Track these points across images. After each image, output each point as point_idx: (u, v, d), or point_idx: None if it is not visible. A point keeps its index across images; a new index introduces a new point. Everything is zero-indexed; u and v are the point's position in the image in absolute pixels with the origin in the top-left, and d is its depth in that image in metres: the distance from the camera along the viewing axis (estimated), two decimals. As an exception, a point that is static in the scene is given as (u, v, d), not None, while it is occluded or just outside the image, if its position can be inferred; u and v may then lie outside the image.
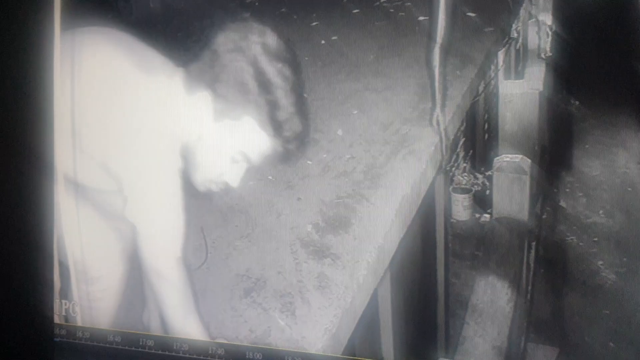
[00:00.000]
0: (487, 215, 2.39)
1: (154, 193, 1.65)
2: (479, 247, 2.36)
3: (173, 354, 1.77)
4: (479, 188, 2.42)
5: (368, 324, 1.97)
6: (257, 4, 2.11)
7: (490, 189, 2.35)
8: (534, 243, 2.34)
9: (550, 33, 2.24)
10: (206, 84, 1.68)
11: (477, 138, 2.49)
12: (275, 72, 1.68)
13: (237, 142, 1.72)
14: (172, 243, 1.66)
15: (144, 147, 1.63)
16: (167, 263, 1.66)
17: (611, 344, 2.12)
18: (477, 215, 2.41)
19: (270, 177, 2.12)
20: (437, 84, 2.10)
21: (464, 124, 2.42)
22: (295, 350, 1.73)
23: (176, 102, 1.70)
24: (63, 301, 1.78)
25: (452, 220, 2.40)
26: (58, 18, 1.78)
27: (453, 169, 2.41)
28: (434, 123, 2.15)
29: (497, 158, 2.28)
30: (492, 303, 2.21)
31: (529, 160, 2.25)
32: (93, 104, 1.67)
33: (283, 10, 1.99)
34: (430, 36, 2.06)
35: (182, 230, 1.66)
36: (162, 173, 1.65)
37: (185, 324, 1.71)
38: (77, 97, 1.68)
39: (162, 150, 1.65)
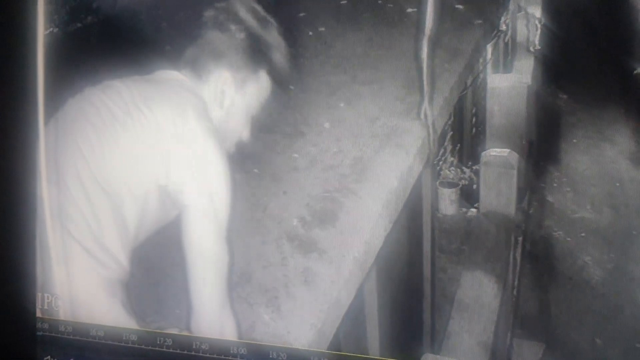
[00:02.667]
0: (474, 210, 2.38)
1: (205, 175, 1.78)
2: (466, 241, 2.35)
3: (157, 348, 1.76)
4: (466, 182, 2.41)
5: (354, 319, 1.96)
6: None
7: (478, 183, 2.34)
8: (520, 238, 2.33)
9: (539, 26, 2.23)
10: (215, 64, 1.90)
11: (464, 132, 2.48)
12: (268, 29, 1.97)
13: (257, 98, 1.97)
14: (221, 222, 1.77)
15: (189, 146, 1.79)
16: (215, 244, 1.74)
17: (597, 340, 2.12)
18: (464, 210, 2.40)
19: (256, 170, 2.11)
20: (425, 77, 2.09)
21: (452, 117, 2.41)
22: (280, 346, 1.72)
23: (195, 94, 1.89)
24: (45, 295, 1.77)
25: (438, 214, 2.39)
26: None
27: (440, 162, 2.40)
28: (422, 116, 2.14)
29: (485, 152, 2.27)
30: (478, 298, 2.20)
31: (517, 155, 2.24)
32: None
33: (269, 0, 1.98)
34: (419, 28, 2.04)
35: (228, 209, 1.77)
36: (211, 156, 1.79)
37: (222, 315, 1.74)
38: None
39: (206, 140, 1.80)
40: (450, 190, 2.40)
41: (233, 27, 1.93)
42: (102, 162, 1.71)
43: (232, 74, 1.94)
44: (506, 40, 2.40)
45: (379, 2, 2.46)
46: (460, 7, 2.36)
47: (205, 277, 1.72)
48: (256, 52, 1.95)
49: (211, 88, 1.91)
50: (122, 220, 1.72)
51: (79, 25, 2.11)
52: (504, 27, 2.37)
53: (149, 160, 1.74)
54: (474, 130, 2.49)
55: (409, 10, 2.38)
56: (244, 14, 1.94)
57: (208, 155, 1.77)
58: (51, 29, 1.98)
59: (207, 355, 1.72)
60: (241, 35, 1.93)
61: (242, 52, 1.94)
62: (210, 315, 1.72)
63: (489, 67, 2.37)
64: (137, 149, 1.74)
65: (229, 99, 1.93)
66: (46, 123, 1.84)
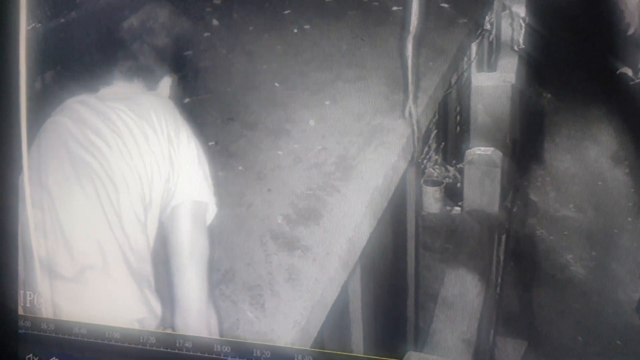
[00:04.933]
0: (458, 208, 2.39)
1: (197, 171, 1.79)
2: (450, 240, 2.36)
3: (139, 346, 1.75)
4: (450, 180, 2.42)
5: (338, 317, 1.96)
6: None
7: (462, 182, 2.35)
8: (504, 236, 2.35)
9: (523, 25, 2.24)
10: (162, 69, 1.95)
11: (449, 130, 2.49)
12: (180, 19, 2.03)
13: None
14: (208, 214, 1.78)
15: (186, 147, 1.80)
16: (204, 237, 1.74)
17: (580, 338, 2.14)
18: (448, 208, 2.41)
19: (240, 168, 2.11)
20: (409, 75, 2.09)
21: (436, 115, 2.42)
22: (264, 343, 1.72)
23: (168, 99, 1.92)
24: (27, 292, 1.75)
25: (423, 212, 2.40)
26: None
27: (425, 161, 2.40)
28: (407, 115, 2.14)
29: (469, 150, 2.28)
30: (461, 296, 2.21)
31: (501, 153, 2.25)
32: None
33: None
34: (404, 26, 2.04)
35: (211, 200, 1.78)
36: (200, 152, 1.81)
37: (208, 310, 1.74)
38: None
39: (192, 137, 1.82)
40: (435, 188, 2.41)
41: (163, 30, 1.96)
42: (137, 189, 1.71)
43: (175, 70, 1.99)
44: (491, 39, 2.41)
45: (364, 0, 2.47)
46: (446, 5, 2.37)
47: (193, 273, 1.71)
48: (182, 43, 2.01)
49: (165, 91, 1.94)
50: (149, 242, 1.73)
51: (62, 20, 2.10)
52: (488, 26, 2.38)
53: (162, 171, 1.74)
54: (458, 128, 2.50)
55: (394, 8, 2.39)
56: (164, 15, 1.98)
57: (199, 151, 1.79)
58: (34, 24, 1.97)
59: (191, 353, 1.72)
60: (168, 36, 1.97)
61: (175, 49, 1.99)
62: (197, 311, 1.71)
63: (473, 65, 2.38)
64: (156, 162, 1.74)
65: (173, 94, 1.98)
66: (30, 125, 1.82)
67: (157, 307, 1.68)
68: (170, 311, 1.73)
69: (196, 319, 1.71)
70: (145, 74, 1.92)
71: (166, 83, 1.94)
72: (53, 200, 1.66)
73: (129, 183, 1.70)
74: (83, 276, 1.62)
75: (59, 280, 1.63)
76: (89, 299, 1.64)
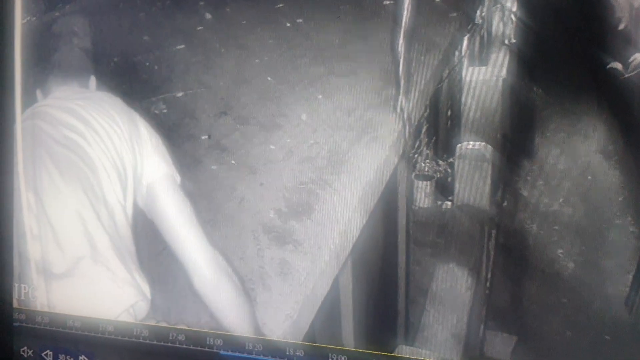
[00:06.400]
0: (449, 203, 2.40)
1: (157, 146, 1.83)
2: (440, 234, 2.36)
3: (133, 339, 1.75)
4: (441, 175, 2.43)
5: (329, 310, 1.96)
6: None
7: (452, 176, 2.35)
8: (494, 231, 2.35)
9: (514, 19, 2.24)
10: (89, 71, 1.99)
11: (440, 124, 2.49)
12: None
13: None
14: (175, 180, 1.81)
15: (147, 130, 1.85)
16: (183, 197, 1.77)
17: (568, 333, 2.15)
18: (439, 203, 2.42)
19: (233, 162, 2.11)
20: (401, 70, 2.09)
21: (427, 110, 2.42)
22: (256, 337, 1.72)
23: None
24: (22, 285, 1.75)
25: (413, 207, 2.40)
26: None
27: (416, 155, 2.41)
28: (398, 109, 2.14)
29: (460, 145, 2.28)
30: (452, 290, 2.22)
31: (491, 148, 2.26)
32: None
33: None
34: (395, 20, 2.04)
35: (173, 170, 1.82)
36: (147, 132, 1.84)
37: (216, 259, 1.75)
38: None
39: (136, 121, 1.85)
40: (425, 183, 2.41)
41: (88, 36, 2.00)
42: (115, 174, 1.72)
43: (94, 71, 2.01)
44: (482, 33, 2.41)
45: (356, -7, 2.47)
46: (437, -1, 2.37)
47: (190, 235, 1.73)
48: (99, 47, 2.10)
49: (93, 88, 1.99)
50: (130, 223, 1.74)
51: (56, 14, 2.11)
52: (479, 20, 2.38)
53: (130, 155, 1.76)
54: (449, 123, 2.50)
55: (386, 2, 2.39)
56: (83, 21, 2.03)
57: (151, 131, 1.82)
58: (29, 18, 1.96)
59: (184, 346, 1.72)
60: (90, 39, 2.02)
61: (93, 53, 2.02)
62: (208, 263, 1.72)
63: (464, 60, 2.38)
64: (124, 147, 1.76)
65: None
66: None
67: (147, 289, 1.68)
68: (158, 294, 1.74)
69: (211, 273, 1.72)
70: (73, 78, 1.95)
71: (93, 82, 1.98)
72: (42, 202, 1.66)
73: (108, 169, 1.72)
74: (76, 268, 1.62)
75: (54, 280, 1.64)
76: (83, 292, 1.64)
